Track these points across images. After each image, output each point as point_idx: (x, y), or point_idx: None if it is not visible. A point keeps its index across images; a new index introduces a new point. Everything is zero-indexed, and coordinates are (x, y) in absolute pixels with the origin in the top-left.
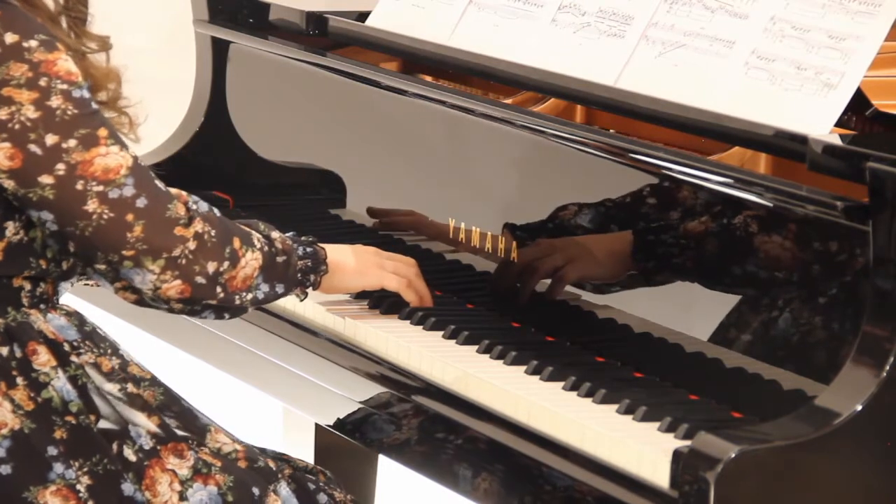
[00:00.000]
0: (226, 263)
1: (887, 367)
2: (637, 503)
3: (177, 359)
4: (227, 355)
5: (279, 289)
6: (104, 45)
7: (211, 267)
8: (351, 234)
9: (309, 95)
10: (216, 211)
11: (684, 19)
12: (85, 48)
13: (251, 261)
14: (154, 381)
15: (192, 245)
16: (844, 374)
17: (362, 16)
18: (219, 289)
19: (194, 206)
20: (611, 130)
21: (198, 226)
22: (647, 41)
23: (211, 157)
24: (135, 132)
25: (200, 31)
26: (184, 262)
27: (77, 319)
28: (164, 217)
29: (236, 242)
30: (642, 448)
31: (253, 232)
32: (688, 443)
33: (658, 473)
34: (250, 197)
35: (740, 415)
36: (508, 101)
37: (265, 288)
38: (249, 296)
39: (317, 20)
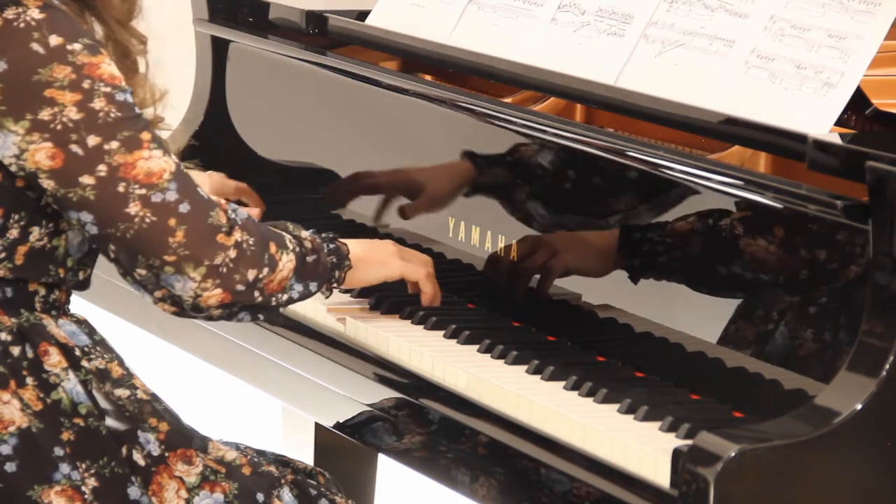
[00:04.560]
0: (265, 270)
1: (887, 367)
2: (638, 503)
3: (177, 358)
4: (227, 355)
5: (312, 287)
6: (143, 43)
7: (251, 274)
8: (351, 234)
9: (309, 94)
10: (253, 218)
11: (684, 18)
12: (131, 47)
13: (287, 263)
14: (156, 398)
15: (232, 254)
16: (844, 373)
17: (362, 15)
18: (257, 293)
19: (233, 215)
20: (611, 129)
21: (237, 234)
22: (647, 40)
23: (211, 156)
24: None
25: (200, 30)
26: (224, 270)
27: (87, 328)
28: (206, 224)
29: (272, 247)
30: (643, 447)
31: (284, 234)
32: (689, 442)
33: (659, 473)
34: None
35: (742, 414)
36: (508, 100)
37: (299, 287)
38: (285, 296)
39: (316, 19)
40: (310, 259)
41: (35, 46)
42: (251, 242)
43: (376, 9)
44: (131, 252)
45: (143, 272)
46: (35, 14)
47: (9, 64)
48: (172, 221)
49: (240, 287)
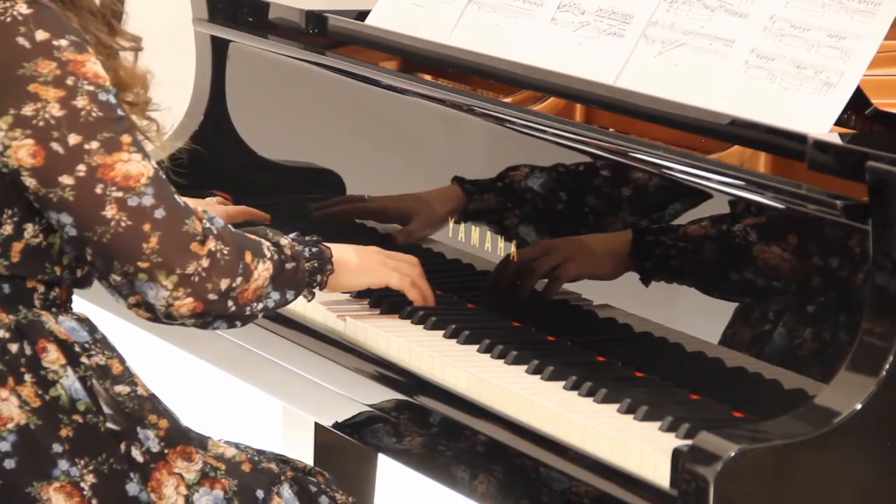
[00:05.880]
0: (239, 279)
1: (886, 366)
2: (637, 502)
3: (177, 359)
4: (227, 355)
5: (289, 295)
6: (136, 44)
7: (224, 284)
8: (350, 233)
9: (308, 94)
10: (230, 226)
11: (684, 18)
12: (117, 45)
13: (263, 272)
14: (155, 398)
15: (205, 263)
16: (844, 373)
17: (362, 14)
18: (230, 302)
19: (209, 224)
20: (610, 129)
21: (211, 244)
22: (647, 40)
23: (210, 156)
24: (161, 139)
25: (200, 29)
26: (196, 279)
27: (88, 325)
28: (180, 231)
29: (248, 256)
30: (643, 447)
31: (263, 241)
32: (689, 442)
33: (659, 473)
34: (250, 196)
35: (741, 414)
36: (508, 100)
37: (276, 296)
38: (260, 305)
39: (316, 19)
40: (288, 266)
41: (21, 41)
42: (225, 252)
43: (376, 9)
44: (107, 257)
45: (118, 278)
46: (23, 9)
47: None
48: (147, 227)
49: (212, 296)
